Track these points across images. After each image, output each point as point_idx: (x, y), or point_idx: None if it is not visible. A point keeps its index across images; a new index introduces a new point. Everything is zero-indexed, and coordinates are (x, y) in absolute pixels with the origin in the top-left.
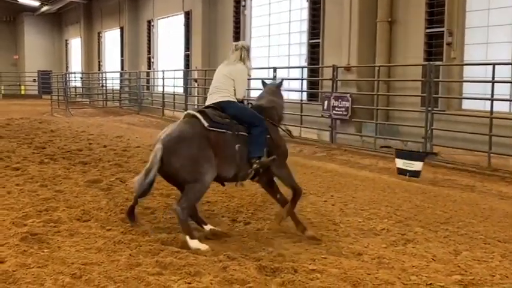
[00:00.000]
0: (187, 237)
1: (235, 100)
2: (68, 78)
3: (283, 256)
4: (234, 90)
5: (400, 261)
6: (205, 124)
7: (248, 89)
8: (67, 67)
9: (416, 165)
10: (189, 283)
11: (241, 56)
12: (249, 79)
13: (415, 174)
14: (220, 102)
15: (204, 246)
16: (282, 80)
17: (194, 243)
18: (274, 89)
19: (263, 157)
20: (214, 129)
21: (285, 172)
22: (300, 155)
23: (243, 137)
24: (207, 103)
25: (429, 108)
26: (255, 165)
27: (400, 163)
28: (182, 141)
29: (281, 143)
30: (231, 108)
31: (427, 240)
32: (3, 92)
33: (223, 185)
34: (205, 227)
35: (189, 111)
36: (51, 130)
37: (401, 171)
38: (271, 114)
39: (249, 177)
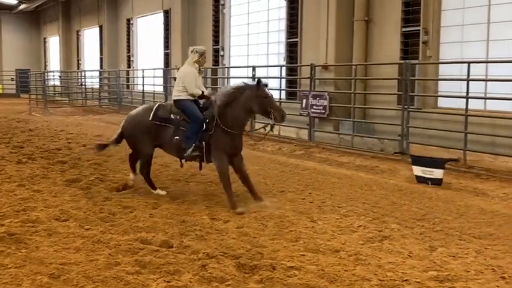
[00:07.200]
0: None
1: (185, 98)
2: (46, 77)
3: (262, 254)
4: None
5: (376, 257)
6: (150, 118)
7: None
8: (45, 66)
9: (436, 173)
10: (168, 282)
11: (192, 58)
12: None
13: (437, 182)
14: (174, 100)
15: (162, 192)
16: (258, 79)
17: (156, 191)
18: (233, 90)
19: (189, 149)
20: (156, 122)
21: (218, 163)
22: (278, 153)
23: (183, 131)
24: None
25: (405, 107)
26: (185, 154)
27: (418, 171)
28: (131, 124)
29: (220, 141)
30: (179, 105)
31: (403, 236)
32: None
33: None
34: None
35: (159, 103)
36: (29, 129)
37: (421, 179)
38: (224, 116)
39: (193, 159)
